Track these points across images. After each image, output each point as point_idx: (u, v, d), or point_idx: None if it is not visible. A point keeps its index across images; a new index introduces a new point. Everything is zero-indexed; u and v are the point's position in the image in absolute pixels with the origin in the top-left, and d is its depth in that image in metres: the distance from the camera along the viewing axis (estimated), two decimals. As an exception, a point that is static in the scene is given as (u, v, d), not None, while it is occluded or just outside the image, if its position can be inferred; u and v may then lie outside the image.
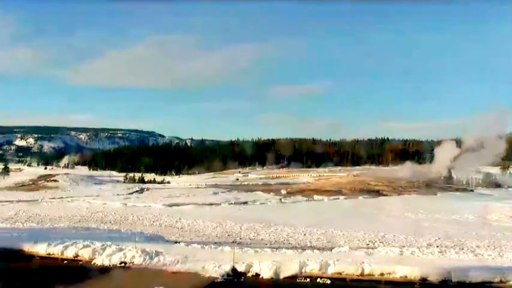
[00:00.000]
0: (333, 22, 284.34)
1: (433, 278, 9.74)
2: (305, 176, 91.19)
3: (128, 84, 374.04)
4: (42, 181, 72.47)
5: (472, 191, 61.33)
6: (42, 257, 12.16)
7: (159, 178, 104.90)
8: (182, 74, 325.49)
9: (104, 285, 10.21)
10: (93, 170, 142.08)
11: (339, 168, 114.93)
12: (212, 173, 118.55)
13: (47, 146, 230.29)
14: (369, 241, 18.38)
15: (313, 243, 17.74)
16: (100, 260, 11.44)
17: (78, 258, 11.88)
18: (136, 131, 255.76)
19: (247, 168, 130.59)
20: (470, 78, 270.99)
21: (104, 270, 10.96)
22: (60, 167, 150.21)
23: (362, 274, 10.10)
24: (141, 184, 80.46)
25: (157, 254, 11.56)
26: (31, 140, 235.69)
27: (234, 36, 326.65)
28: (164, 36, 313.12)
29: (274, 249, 13.30)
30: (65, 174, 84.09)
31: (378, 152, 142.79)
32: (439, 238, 19.22)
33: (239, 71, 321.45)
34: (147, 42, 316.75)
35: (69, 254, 12.04)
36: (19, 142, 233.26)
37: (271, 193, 50.94)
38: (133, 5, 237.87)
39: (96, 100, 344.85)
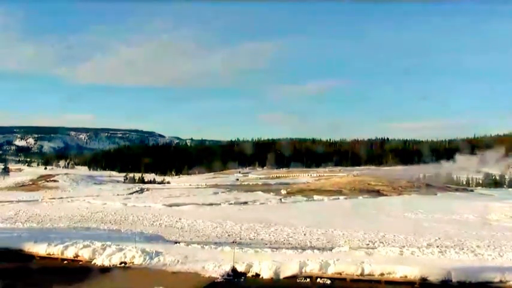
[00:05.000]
0: (333, 22, 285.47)
1: (433, 278, 9.72)
2: (305, 176, 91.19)
3: (128, 83, 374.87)
4: (42, 181, 72.49)
5: (472, 191, 61.31)
6: (42, 257, 12.12)
7: (159, 178, 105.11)
8: (182, 74, 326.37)
9: (103, 285, 10.19)
10: (93, 170, 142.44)
11: (339, 168, 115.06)
12: (212, 173, 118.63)
13: (47, 146, 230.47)
14: (369, 241, 18.34)
15: (313, 243, 17.69)
16: (100, 260, 11.41)
17: (78, 258, 11.85)
18: (136, 131, 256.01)
19: (247, 169, 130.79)
20: (470, 78, 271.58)
21: (104, 270, 10.93)
22: (60, 167, 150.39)
23: (362, 274, 10.08)
24: (141, 184, 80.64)
25: (157, 254, 11.54)
26: (31, 140, 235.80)
27: (233, 36, 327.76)
28: (164, 36, 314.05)
29: (274, 249, 13.26)
30: (65, 174, 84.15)
31: (378, 152, 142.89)
32: (439, 238, 19.16)
33: (239, 70, 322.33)
34: (147, 42, 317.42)
35: (69, 254, 12.00)
36: (19, 142, 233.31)
37: (271, 193, 50.97)
38: (134, 5, 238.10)
39: (97, 100, 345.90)
